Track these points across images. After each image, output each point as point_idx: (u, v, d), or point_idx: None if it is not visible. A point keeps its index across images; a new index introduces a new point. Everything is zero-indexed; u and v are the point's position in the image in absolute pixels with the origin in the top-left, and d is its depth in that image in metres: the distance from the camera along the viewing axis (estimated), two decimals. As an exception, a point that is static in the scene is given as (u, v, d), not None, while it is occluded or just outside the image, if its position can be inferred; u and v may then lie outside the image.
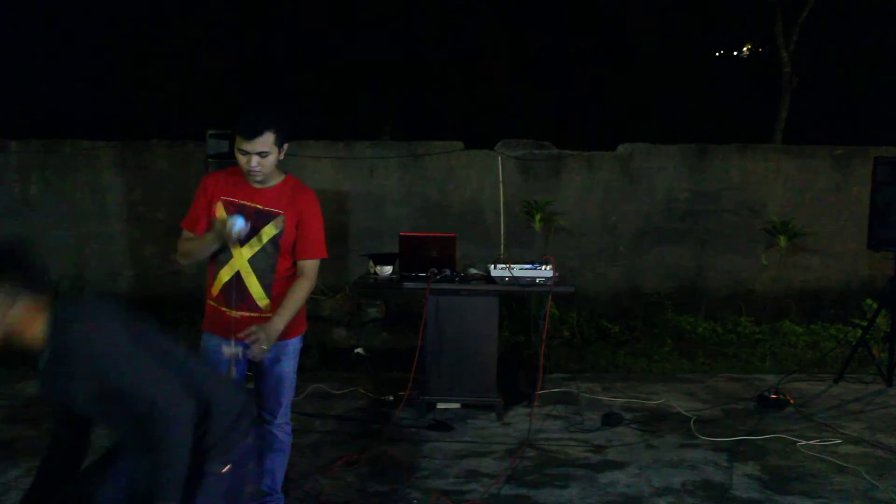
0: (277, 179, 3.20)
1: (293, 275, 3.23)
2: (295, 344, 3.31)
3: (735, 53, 14.02)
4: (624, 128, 10.63)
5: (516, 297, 7.20)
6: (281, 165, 3.21)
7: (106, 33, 11.09)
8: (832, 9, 10.58)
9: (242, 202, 3.15)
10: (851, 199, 7.92)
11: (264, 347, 2.99)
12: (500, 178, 7.90)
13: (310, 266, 3.24)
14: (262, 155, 3.03)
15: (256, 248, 3.14)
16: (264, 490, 3.41)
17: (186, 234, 3.24)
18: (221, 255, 3.18)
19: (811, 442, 4.60)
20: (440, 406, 5.12)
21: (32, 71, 10.91)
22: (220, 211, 3.15)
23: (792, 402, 5.26)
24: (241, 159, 3.06)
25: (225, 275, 3.17)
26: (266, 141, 3.02)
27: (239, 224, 2.99)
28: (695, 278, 8.07)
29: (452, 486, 3.97)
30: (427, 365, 5.00)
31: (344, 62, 11.74)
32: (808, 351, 6.90)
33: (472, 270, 5.19)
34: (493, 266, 4.99)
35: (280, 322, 3.09)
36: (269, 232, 3.14)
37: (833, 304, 7.87)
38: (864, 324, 6.31)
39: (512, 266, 4.93)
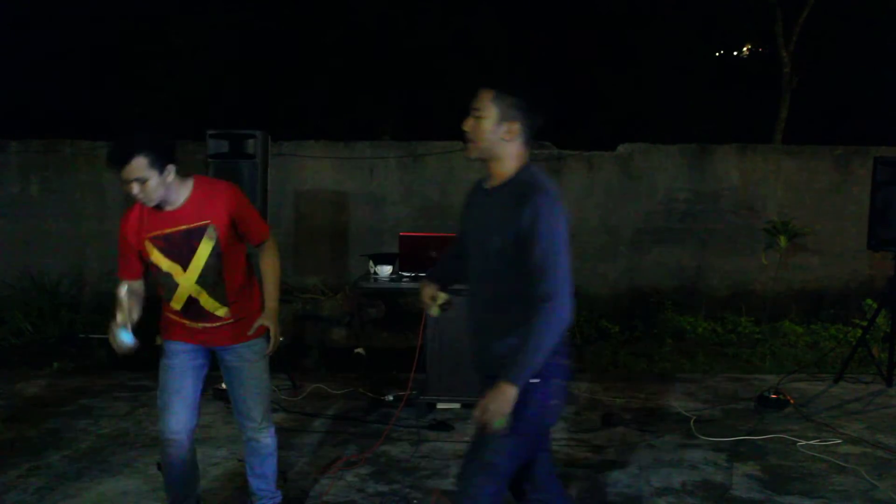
0: (186, 190, 3.02)
1: (242, 276, 3.17)
2: (263, 343, 3.25)
3: (735, 53, 14.01)
4: (624, 128, 10.62)
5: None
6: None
7: (106, 33, 11.08)
8: (832, 9, 10.58)
9: (166, 231, 3.01)
10: (851, 199, 7.92)
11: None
12: (501, 178, 7.88)
13: (268, 244, 3.27)
14: (139, 181, 2.85)
15: (200, 268, 3.05)
16: (259, 494, 3.41)
17: (129, 285, 3.07)
18: (166, 284, 3.09)
19: (811, 442, 4.60)
20: (440, 406, 5.12)
21: (32, 71, 10.91)
22: (153, 252, 3.04)
23: (792, 402, 5.26)
24: (124, 188, 2.92)
25: (176, 303, 3.13)
26: (138, 167, 2.83)
27: (126, 340, 2.93)
28: (695, 278, 8.07)
29: (452, 486, 3.96)
30: (427, 365, 4.99)
31: (344, 62, 11.73)
32: (807, 351, 6.89)
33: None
34: (493, 266, 4.98)
35: (274, 303, 3.20)
36: (206, 247, 3.03)
37: (833, 304, 7.87)
38: (864, 324, 6.31)
39: (512, 266, 4.92)
